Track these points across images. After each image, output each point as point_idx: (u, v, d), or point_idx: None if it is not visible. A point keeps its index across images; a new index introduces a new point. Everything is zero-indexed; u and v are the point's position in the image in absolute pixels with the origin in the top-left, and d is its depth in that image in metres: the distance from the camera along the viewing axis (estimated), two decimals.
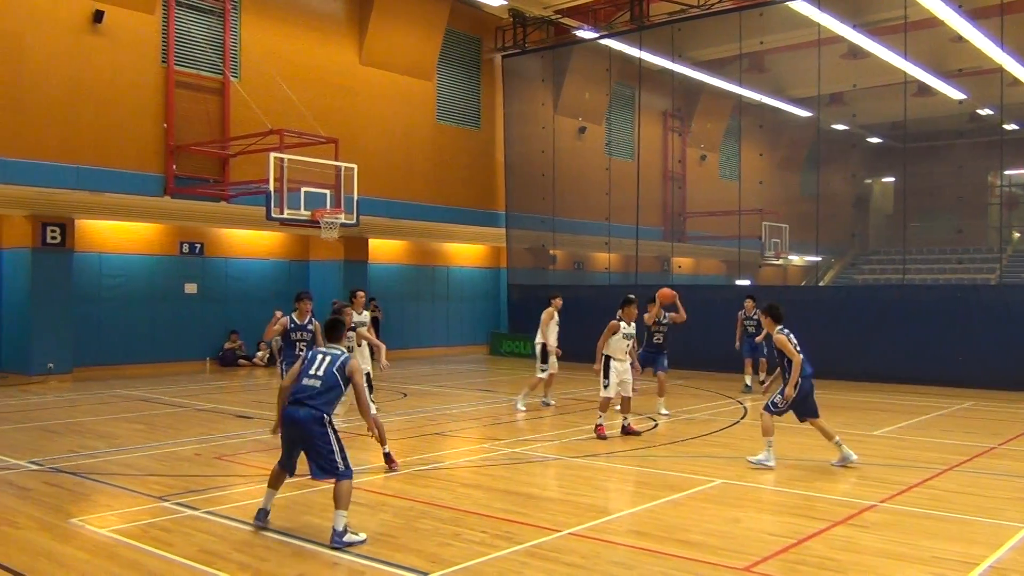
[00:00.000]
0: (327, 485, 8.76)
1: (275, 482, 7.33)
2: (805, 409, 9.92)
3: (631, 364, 12.01)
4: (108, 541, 6.91)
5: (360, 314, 13.91)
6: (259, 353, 22.47)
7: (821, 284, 29.56)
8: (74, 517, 7.60)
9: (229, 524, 7.35)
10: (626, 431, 11.87)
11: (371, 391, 13.39)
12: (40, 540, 6.90)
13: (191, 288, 21.72)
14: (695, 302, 19.40)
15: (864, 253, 36.97)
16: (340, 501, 6.73)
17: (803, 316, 20.07)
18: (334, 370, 7.05)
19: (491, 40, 26.72)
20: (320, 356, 7.18)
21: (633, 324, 11.93)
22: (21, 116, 16.76)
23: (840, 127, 30.03)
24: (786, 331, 10.03)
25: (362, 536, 6.78)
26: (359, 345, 13.47)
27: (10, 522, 7.41)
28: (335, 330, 7.51)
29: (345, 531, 6.69)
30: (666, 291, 14.19)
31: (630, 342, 11.82)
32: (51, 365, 18.58)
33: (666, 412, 13.90)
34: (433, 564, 6.24)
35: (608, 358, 11.71)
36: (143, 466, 9.83)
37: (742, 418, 13.76)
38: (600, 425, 11.77)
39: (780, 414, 9.91)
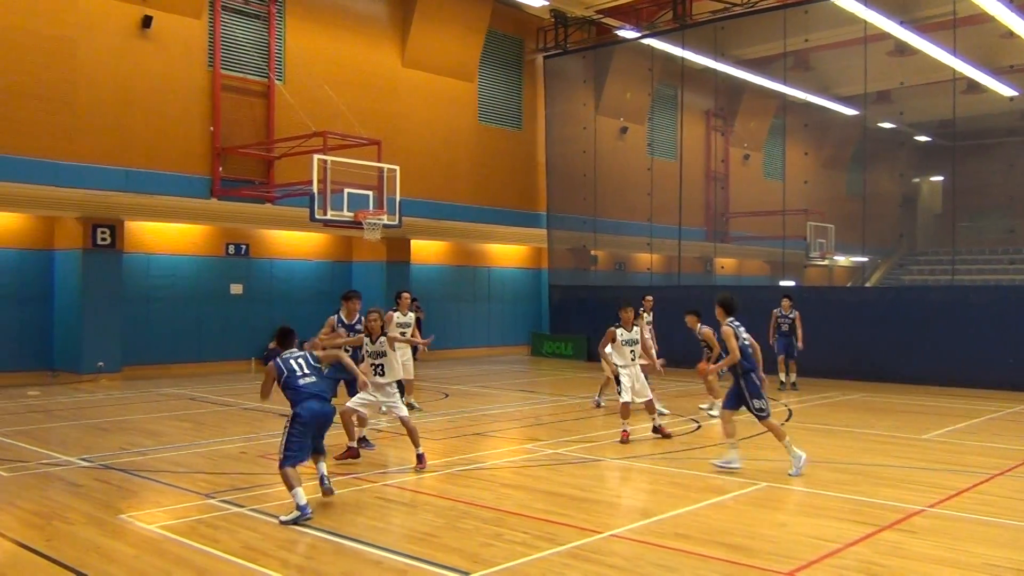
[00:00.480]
0: (371, 484, 8.83)
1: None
2: (742, 402, 9.59)
3: (654, 364, 11.81)
4: (156, 537, 7.03)
5: (405, 315, 14.01)
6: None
7: (867, 285, 29.10)
8: (123, 513, 7.74)
9: (274, 522, 7.42)
10: (657, 431, 11.73)
11: (403, 394, 13.50)
12: (90, 535, 7.04)
13: (237, 289, 22.03)
14: (739, 303, 19.26)
15: (912, 253, 36.30)
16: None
17: (849, 317, 19.86)
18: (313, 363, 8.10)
19: (532, 41, 26.73)
20: (295, 360, 8.10)
21: (636, 328, 11.73)
22: (73, 120, 17.12)
23: (887, 125, 29.53)
24: (736, 323, 9.72)
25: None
26: (393, 349, 13.59)
27: (62, 517, 7.57)
28: (288, 338, 8.34)
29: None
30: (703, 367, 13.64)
31: (634, 347, 11.58)
32: (101, 364, 18.96)
33: (714, 413, 13.77)
34: (475, 564, 6.25)
35: (619, 366, 11.54)
36: (190, 463, 9.98)
37: (786, 420, 13.59)
38: (624, 431, 11.53)
39: (768, 415, 9.54)
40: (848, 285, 30.56)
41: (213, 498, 8.27)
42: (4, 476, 9.29)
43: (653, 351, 11.83)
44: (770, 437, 11.29)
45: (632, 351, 11.60)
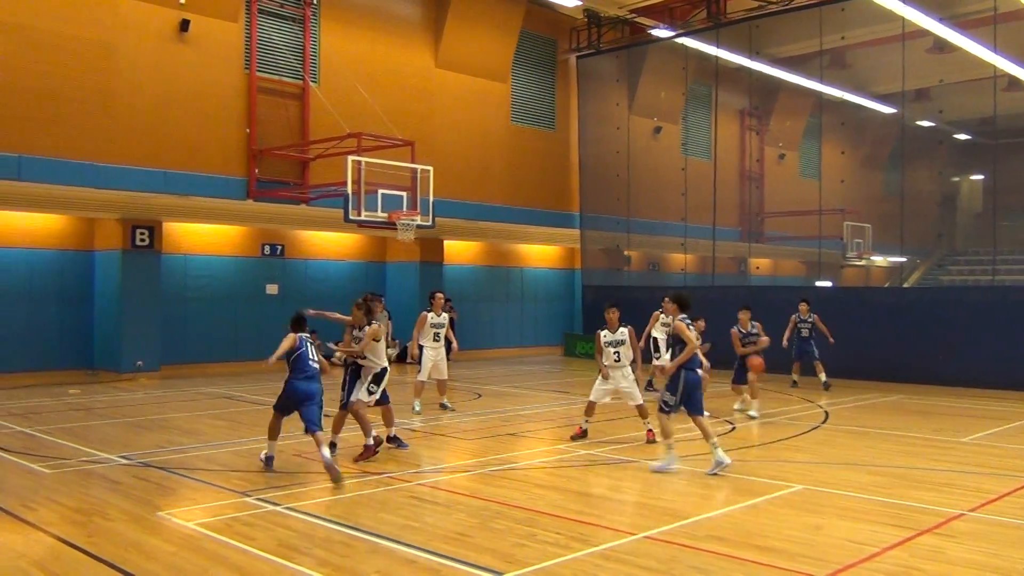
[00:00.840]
0: (404, 484, 8.88)
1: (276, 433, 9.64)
2: (691, 404, 9.61)
3: (660, 365, 11.74)
4: (193, 534, 7.12)
5: (439, 316, 14.09)
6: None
7: (906, 286, 28.67)
8: (161, 510, 7.86)
9: (309, 520, 7.49)
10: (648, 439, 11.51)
11: (440, 393, 13.52)
12: (129, 532, 7.15)
13: (272, 289, 22.25)
14: (774, 304, 19.07)
15: (951, 253, 35.71)
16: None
17: (887, 319, 19.59)
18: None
19: (566, 41, 26.69)
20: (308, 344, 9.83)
21: (623, 330, 11.62)
22: (113, 123, 17.38)
23: (926, 124, 29.08)
24: (687, 320, 9.84)
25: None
26: (436, 340, 13.79)
27: (102, 514, 7.70)
28: (300, 323, 9.99)
29: None
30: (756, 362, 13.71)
31: (618, 348, 11.48)
32: (140, 363, 19.24)
33: (754, 414, 13.71)
34: (508, 564, 6.26)
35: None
36: (226, 462, 10.10)
37: (823, 422, 13.46)
38: (649, 430, 11.56)
39: (672, 412, 9.63)
40: (886, 286, 30.14)
41: (249, 496, 8.36)
42: (46, 473, 9.46)
43: (639, 353, 11.68)
44: (805, 439, 11.17)
45: (616, 352, 11.47)
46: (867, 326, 19.40)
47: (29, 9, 16.32)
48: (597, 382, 11.67)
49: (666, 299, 16.19)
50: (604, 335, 11.56)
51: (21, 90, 16.24)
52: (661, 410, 9.66)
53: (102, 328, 19.80)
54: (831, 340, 17.42)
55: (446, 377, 14.45)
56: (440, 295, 14.52)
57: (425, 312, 14.19)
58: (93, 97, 17.12)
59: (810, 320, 17.57)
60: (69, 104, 16.81)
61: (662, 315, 15.90)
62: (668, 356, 14.86)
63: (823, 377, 17.42)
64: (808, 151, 31.04)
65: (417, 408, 14.02)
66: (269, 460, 9.71)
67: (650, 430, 11.48)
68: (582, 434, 11.71)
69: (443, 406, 14.42)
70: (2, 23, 16.01)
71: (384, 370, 10.42)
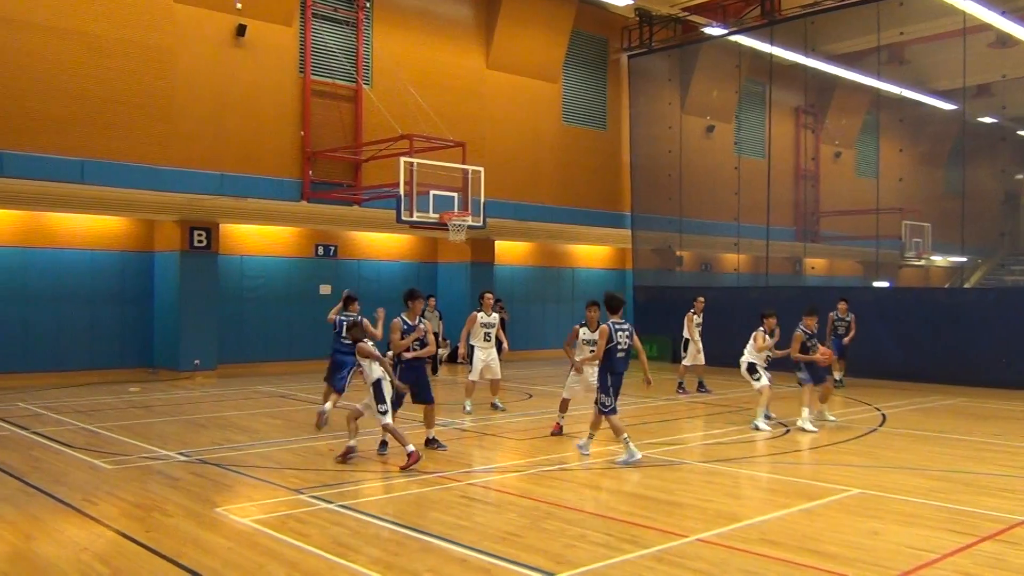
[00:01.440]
0: (456, 484, 8.93)
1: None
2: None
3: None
4: (249, 530, 7.24)
5: (489, 315, 14.15)
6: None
7: (966, 286, 27.98)
8: (218, 506, 8.00)
9: (361, 518, 7.57)
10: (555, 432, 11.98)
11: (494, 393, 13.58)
12: (187, 527, 7.29)
13: (325, 289, 22.52)
14: (830, 304, 18.76)
15: (1014, 253, 34.72)
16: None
17: (947, 320, 19.14)
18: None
19: (617, 40, 26.56)
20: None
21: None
22: (171, 127, 17.76)
23: (987, 120, 28.35)
24: (614, 325, 9.99)
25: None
26: (487, 340, 13.91)
27: (160, 509, 7.87)
28: (348, 302, 11.50)
29: None
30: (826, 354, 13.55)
31: (591, 347, 11.37)
32: (198, 362, 19.63)
33: (832, 419, 13.40)
34: (559, 565, 6.25)
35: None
36: (281, 459, 10.25)
37: (880, 425, 13.20)
38: (557, 423, 12.11)
39: (612, 411, 9.94)
40: (946, 286, 29.44)
41: (303, 494, 8.47)
42: (108, 469, 9.70)
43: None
44: (862, 443, 10.97)
45: (592, 351, 11.28)
46: (926, 327, 18.98)
47: (90, 16, 16.75)
48: (570, 378, 11.84)
49: (699, 299, 16.40)
50: (583, 332, 11.68)
51: (84, 96, 16.68)
52: (601, 412, 10.01)
53: (161, 328, 20.24)
54: (845, 341, 17.48)
55: (499, 377, 14.50)
56: (489, 295, 14.60)
57: (475, 312, 14.30)
58: (152, 102, 17.51)
59: (848, 319, 17.59)
60: (129, 109, 17.21)
61: (695, 315, 16.96)
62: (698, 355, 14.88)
63: (838, 375, 17.36)
64: (865, 149, 30.46)
65: (468, 408, 14.11)
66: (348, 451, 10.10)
67: (558, 423, 12.02)
68: (559, 430, 11.97)
69: (494, 406, 14.47)
70: (65, 30, 16.46)
71: (377, 381, 10.08)
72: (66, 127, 16.44)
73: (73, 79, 16.56)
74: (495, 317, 14.30)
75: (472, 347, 14.22)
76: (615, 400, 9.89)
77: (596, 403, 10.12)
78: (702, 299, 17.41)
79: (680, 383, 17.13)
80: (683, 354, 17.19)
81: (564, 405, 12.05)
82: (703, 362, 17.05)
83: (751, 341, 13.35)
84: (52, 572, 6.16)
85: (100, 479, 9.17)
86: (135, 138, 17.25)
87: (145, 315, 20.36)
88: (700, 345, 16.99)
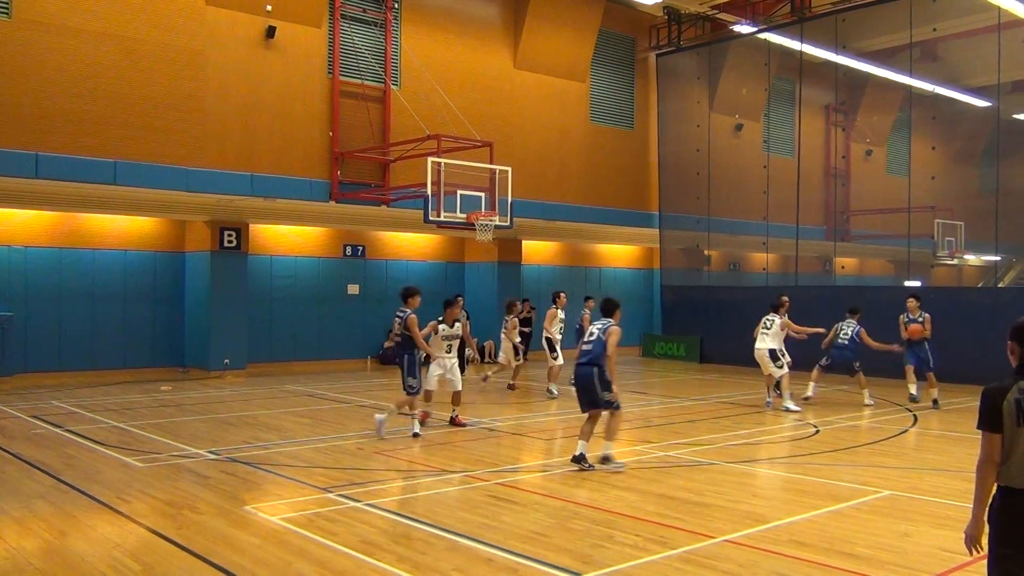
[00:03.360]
0: (483, 483, 8.93)
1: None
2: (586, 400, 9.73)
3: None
4: (278, 528, 7.30)
5: (452, 327, 13.65)
6: (468, 353, 23.04)
7: (1000, 286, 27.58)
8: (247, 504, 8.07)
9: (389, 517, 7.60)
10: (452, 422, 12.65)
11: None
12: (217, 525, 7.36)
13: (353, 289, 22.65)
14: (860, 304, 18.52)
15: None
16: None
17: (981, 319, 18.86)
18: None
19: (645, 39, 26.46)
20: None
21: (459, 324, 12.57)
22: (202, 128, 17.95)
23: (1022, 117, 27.92)
24: (405, 312, 11.39)
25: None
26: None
27: (191, 507, 7.95)
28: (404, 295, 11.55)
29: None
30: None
31: (451, 342, 12.39)
32: (227, 361, 19.81)
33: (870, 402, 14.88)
34: (586, 565, 6.24)
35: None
36: (309, 458, 10.32)
37: (911, 426, 13.04)
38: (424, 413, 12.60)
39: (416, 392, 11.51)
40: (979, 286, 29.03)
41: (331, 492, 8.52)
42: (139, 467, 9.82)
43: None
44: (894, 444, 10.88)
45: (449, 345, 12.44)
46: (959, 327, 18.71)
47: (123, 19, 16.98)
48: (431, 371, 12.37)
49: (784, 298, 15.87)
50: (443, 329, 12.28)
51: (117, 98, 16.91)
52: (408, 392, 11.53)
53: (192, 327, 20.45)
54: (895, 347, 15.45)
55: (459, 388, 13.93)
56: (455, 308, 14.49)
57: (554, 309, 16.90)
58: (184, 104, 17.71)
59: (920, 320, 15.45)
60: (161, 111, 17.42)
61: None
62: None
63: (934, 392, 15.28)
64: (896, 147, 30.10)
65: (555, 391, 16.15)
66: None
67: (458, 415, 12.68)
68: (425, 418, 12.52)
69: (549, 391, 16.17)
70: (99, 33, 16.69)
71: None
72: (99, 129, 16.68)
73: (106, 82, 16.78)
74: (458, 328, 13.79)
75: (548, 339, 16.56)
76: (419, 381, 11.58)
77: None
78: (786, 298, 15.47)
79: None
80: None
81: (428, 396, 12.72)
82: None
83: (774, 328, 14.54)
84: (85, 568, 6.24)
85: (132, 477, 9.28)
86: (167, 140, 17.45)
87: (176, 315, 20.59)
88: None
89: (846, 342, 15.08)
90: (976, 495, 4.23)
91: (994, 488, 4.17)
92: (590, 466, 9.46)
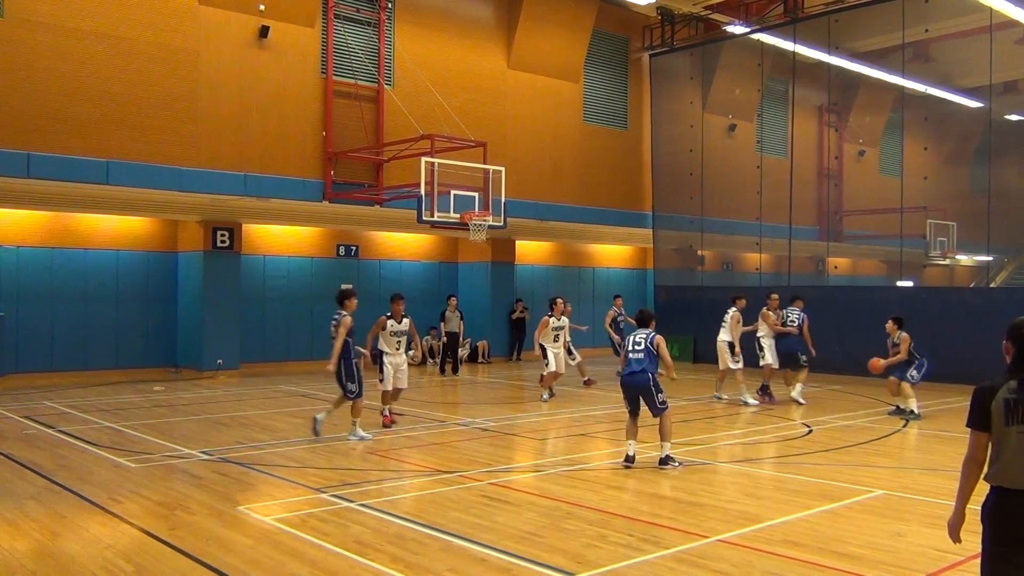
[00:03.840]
0: (476, 483, 8.92)
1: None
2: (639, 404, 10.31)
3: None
4: (271, 529, 7.28)
5: (400, 323, 13.56)
6: (411, 352, 23.08)
7: (992, 286, 27.67)
8: (240, 505, 8.05)
9: (382, 517, 7.59)
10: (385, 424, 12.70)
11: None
12: (210, 525, 7.35)
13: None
14: (853, 304, 18.59)
15: None
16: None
17: (972, 320, 18.92)
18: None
19: (639, 39, 26.47)
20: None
21: (406, 321, 12.91)
22: (195, 128, 17.90)
23: (1014, 117, 28.01)
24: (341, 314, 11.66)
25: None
26: (556, 340, 14.65)
27: (184, 507, 7.93)
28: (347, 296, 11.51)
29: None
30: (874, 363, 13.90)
31: (400, 338, 12.76)
32: (220, 361, 19.77)
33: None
34: (579, 565, 6.24)
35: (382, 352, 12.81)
36: (302, 458, 10.30)
37: (904, 425, 13.08)
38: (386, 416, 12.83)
39: (357, 396, 11.51)
40: (971, 286, 29.14)
41: (324, 493, 8.51)
42: (132, 467, 9.79)
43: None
44: (887, 443, 10.93)
45: (399, 341, 12.88)
46: (951, 327, 18.78)
47: (116, 19, 16.91)
48: (385, 370, 12.69)
49: (791, 297, 16.08)
50: (391, 325, 12.67)
51: (109, 97, 16.85)
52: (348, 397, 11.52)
53: (185, 327, 20.40)
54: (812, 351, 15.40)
55: (405, 387, 13.54)
56: (561, 300, 16.12)
57: (547, 317, 15.99)
58: (177, 103, 17.66)
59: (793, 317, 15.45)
60: (154, 110, 17.36)
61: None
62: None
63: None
64: (889, 147, 30.19)
65: (545, 396, 15.84)
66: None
67: (387, 415, 12.77)
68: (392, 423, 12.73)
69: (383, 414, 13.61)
70: (91, 33, 16.64)
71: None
72: (91, 128, 16.62)
73: (98, 81, 16.73)
74: (406, 324, 13.77)
75: (543, 347, 15.95)
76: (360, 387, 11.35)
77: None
78: (775, 297, 15.89)
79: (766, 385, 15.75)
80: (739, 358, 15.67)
81: (396, 395, 12.98)
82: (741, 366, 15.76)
83: (729, 322, 15.52)
84: (76, 569, 6.22)
85: (124, 477, 9.25)
86: (159, 139, 17.40)
87: (169, 315, 20.54)
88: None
89: (795, 330, 15.25)
90: (960, 489, 4.30)
91: (978, 485, 4.22)
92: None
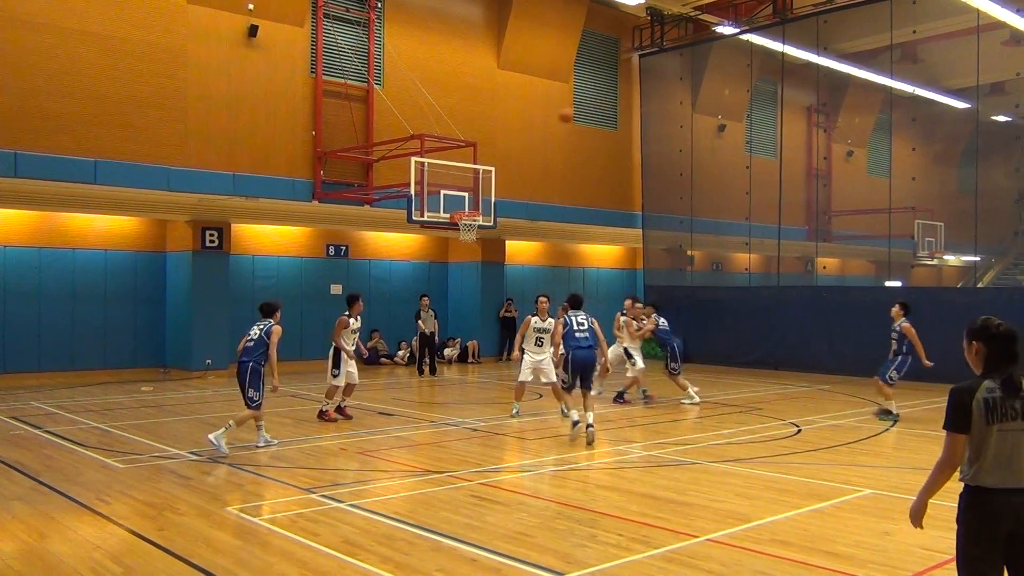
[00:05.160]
0: (466, 483, 8.91)
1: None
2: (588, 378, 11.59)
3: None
4: (260, 529, 7.26)
5: (544, 321, 13.50)
6: (400, 352, 23.10)
7: (980, 286, 27.83)
8: (229, 505, 8.02)
9: (372, 517, 7.58)
10: (337, 413, 13.34)
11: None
12: (198, 526, 7.32)
13: (336, 289, 22.56)
14: (841, 304, 18.64)
15: None
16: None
17: (960, 319, 18.95)
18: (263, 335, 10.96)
19: (628, 40, 26.51)
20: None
21: (550, 320, 13.47)
22: (184, 127, 17.83)
23: (1001, 118, 28.19)
24: (570, 315, 11.87)
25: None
26: (538, 344, 13.83)
27: (172, 508, 7.90)
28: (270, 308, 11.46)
29: None
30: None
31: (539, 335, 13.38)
32: (209, 361, 19.70)
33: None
34: (569, 565, 6.25)
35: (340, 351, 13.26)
36: (292, 459, 10.27)
37: (892, 425, 13.14)
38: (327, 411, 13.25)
39: (569, 389, 11.69)
40: (959, 286, 29.31)
41: (314, 493, 8.49)
42: (120, 468, 9.75)
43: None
44: (875, 443, 10.97)
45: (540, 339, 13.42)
46: (939, 327, 18.80)
47: (104, 17, 16.85)
48: (343, 367, 13.37)
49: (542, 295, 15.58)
50: (352, 323, 13.44)
51: (97, 96, 16.77)
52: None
53: (173, 327, 20.33)
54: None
55: (355, 383, 13.72)
56: (544, 299, 13.84)
57: (529, 316, 13.73)
58: (165, 103, 17.59)
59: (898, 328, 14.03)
60: (142, 109, 17.30)
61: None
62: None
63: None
64: (877, 148, 30.34)
65: (515, 411, 13.83)
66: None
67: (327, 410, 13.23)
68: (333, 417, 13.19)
69: (339, 408, 13.64)
70: (79, 31, 16.55)
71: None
72: (79, 128, 16.54)
73: (86, 80, 16.65)
74: (550, 322, 13.49)
75: (523, 350, 13.55)
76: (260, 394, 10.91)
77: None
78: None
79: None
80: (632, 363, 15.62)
81: (349, 390, 13.54)
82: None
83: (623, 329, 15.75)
84: (64, 570, 6.19)
85: (112, 478, 9.21)
86: (148, 138, 17.33)
87: (157, 315, 20.46)
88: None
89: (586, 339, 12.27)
90: (927, 487, 4.32)
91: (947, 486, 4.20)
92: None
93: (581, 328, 11.62)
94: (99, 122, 16.77)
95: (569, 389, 11.64)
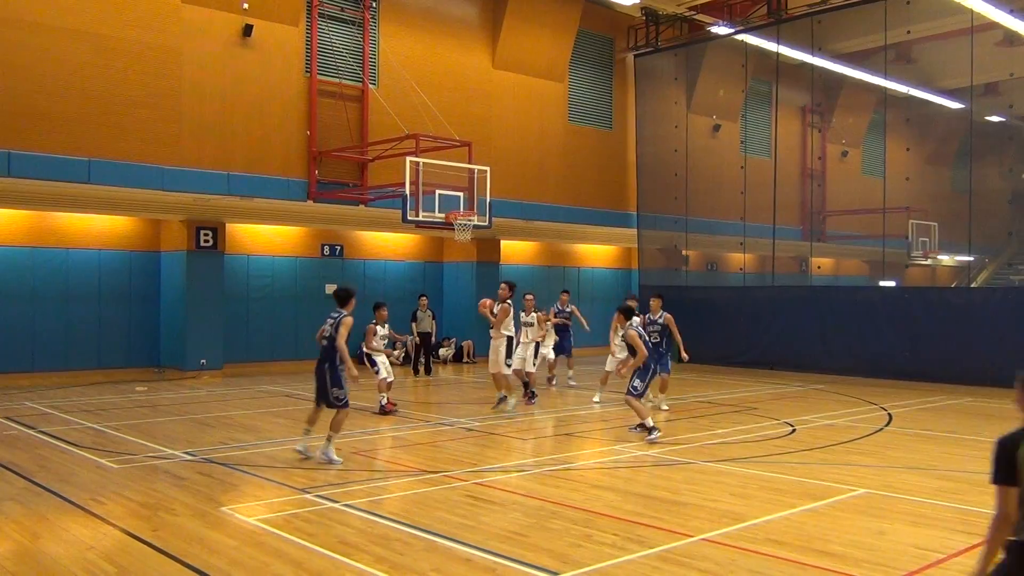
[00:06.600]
0: (461, 483, 8.91)
1: None
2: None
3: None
4: (255, 529, 7.25)
5: (528, 316, 15.40)
6: (395, 352, 23.09)
7: (973, 286, 27.93)
8: (224, 506, 8.01)
9: (367, 517, 7.57)
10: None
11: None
12: (193, 526, 7.31)
13: (331, 289, 22.48)
14: (836, 304, 18.66)
15: (1022, 252, 34.66)
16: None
17: (954, 319, 19.08)
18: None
19: (623, 40, 26.53)
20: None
21: (535, 315, 14.76)
22: (178, 127, 17.80)
23: (995, 119, 28.29)
24: (637, 326, 12.06)
25: None
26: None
27: (167, 508, 7.88)
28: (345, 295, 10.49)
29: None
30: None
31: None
32: (204, 361, 19.67)
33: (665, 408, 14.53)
34: (564, 564, 6.25)
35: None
36: (287, 459, 10.26)
37: (887, 425, 13.17)
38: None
39: (641, 395, 11.65)
40: (953, 286, 29.40)
41: (309, 493, 8.48)
42: (114, 468, 9.72)
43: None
44: (869, 442, 10.97)
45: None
46: (933, 327, 18.92)
47: (98, 16, 16.80)
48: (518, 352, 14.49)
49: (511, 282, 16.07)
50: (521, 315, 14.36)
51: (91, 95, 16.73)
52: (630, 394, 11.59)
53: (168, 327, 20.29)
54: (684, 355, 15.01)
55: (532, 371, 15.27)
56: (531, 296, 15.84)
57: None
58: (159, 102, 17.55)
59: (659, 320, 14.55)
60: (136, 109, 17.26)
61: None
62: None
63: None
64: (871, 148, 30.43)
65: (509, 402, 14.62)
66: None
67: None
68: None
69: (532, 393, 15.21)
70: (73, 31, 16.51)
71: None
72: (73, 127, 16.49)
73: (80, 79, 16.60)
74: (534, 317, 15.41)
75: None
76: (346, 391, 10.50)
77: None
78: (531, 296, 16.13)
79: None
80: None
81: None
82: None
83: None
84: (58, 571, 6.18)
85: (107, 478, 9.19)
86: (142, 138, 17.29)
87: (152, 314, 20.42)
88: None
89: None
90: (987, 551, 3.87)
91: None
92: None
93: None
94: (93, 121, 16.73)
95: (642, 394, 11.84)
